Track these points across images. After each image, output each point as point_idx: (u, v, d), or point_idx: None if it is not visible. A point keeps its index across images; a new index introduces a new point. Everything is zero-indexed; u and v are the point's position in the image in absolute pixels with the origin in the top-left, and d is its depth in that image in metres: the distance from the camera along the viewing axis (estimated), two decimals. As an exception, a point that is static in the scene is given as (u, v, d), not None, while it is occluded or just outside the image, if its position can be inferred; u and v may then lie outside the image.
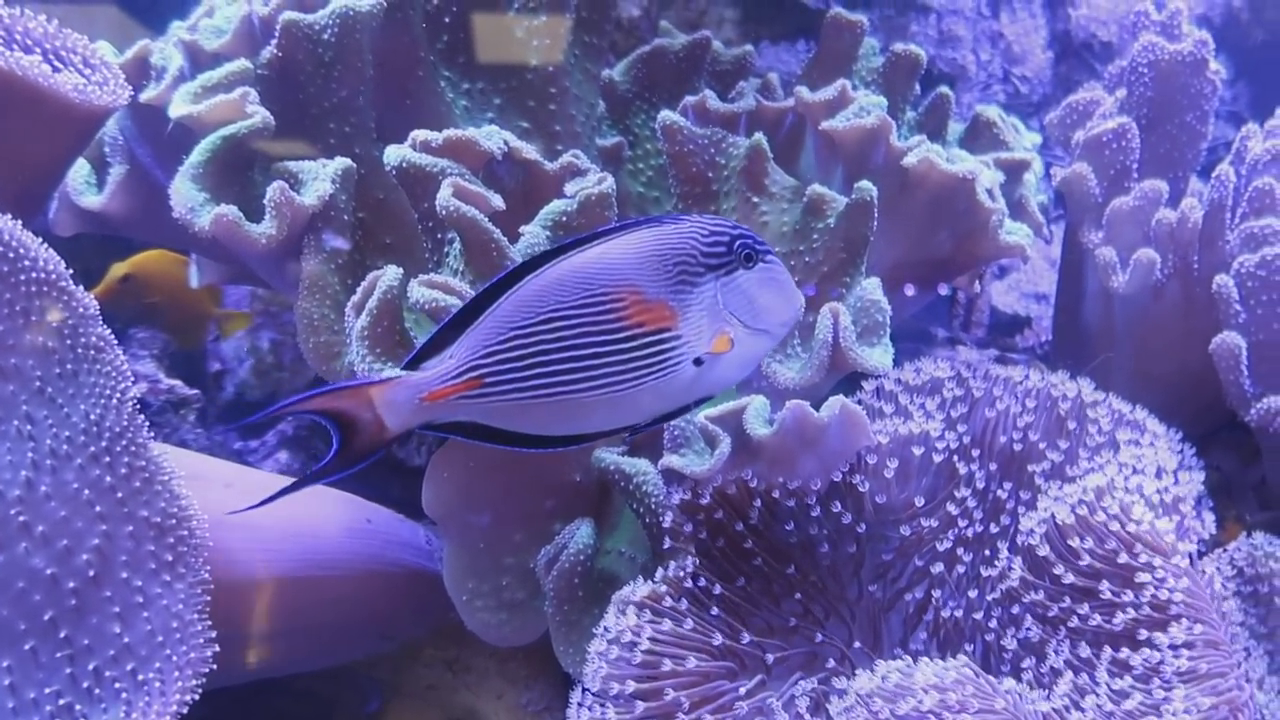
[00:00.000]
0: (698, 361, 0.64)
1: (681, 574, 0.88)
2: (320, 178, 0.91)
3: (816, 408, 0.83)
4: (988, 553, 0.90)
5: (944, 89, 1.28)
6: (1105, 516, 0.81)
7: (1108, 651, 0.78)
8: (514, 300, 0.64)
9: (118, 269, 1.40)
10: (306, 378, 1.66)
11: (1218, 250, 1.01)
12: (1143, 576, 0.78)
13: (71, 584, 0.73)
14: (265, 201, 0.87)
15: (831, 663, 0.87)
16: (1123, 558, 0.79)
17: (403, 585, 1.07)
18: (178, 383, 1.55)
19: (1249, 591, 0.90)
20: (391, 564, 1.06)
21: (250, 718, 1.15)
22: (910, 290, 1.08)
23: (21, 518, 0.73)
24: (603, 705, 0.85)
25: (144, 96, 1.01)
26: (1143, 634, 0.78)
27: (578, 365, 0.63)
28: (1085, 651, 0.80)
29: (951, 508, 0.91)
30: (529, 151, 0.98)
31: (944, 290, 1.13)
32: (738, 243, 0.65)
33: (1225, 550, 0.91)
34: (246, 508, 0.69)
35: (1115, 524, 0.80)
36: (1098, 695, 0.77)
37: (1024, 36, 1.65)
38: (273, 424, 1.61)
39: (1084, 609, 0.80)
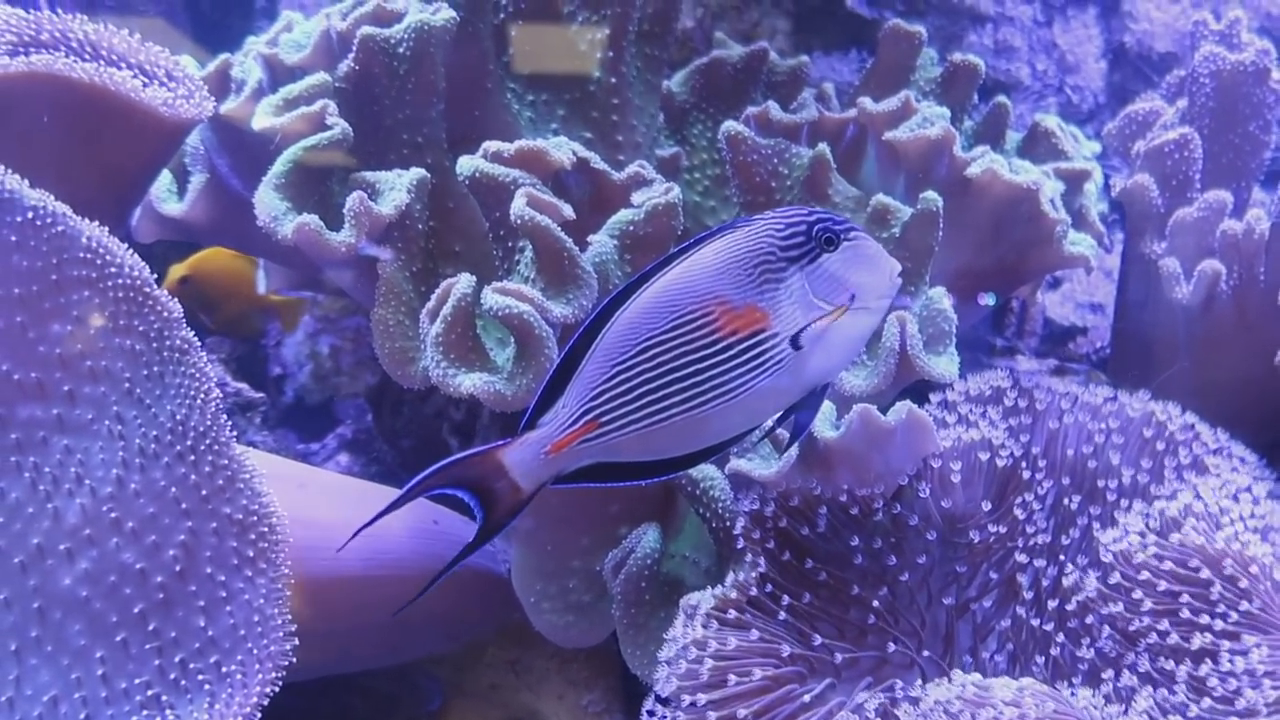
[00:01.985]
0: (796, 346, 0.63)
1: (749, 581, 0.87)
2: (397, 188, 0.91)
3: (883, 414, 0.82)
4: (1059, 564, 0.88)
5: (1002, 99, 1.26)
6: (1189, 533, 0.79)
7: (1186, 669, 0.77)
8: (609, 339, 0.64)
9: (176, 270, 1.42)
10: (363, 382, 1.67)
11: (1283, 261, 0.99)
12: (1224, 590, 0.76)
13: (159, 578, 0.74)
14: (345, 211, 0.87)
15: (901, 670, 0.86)
16: (1205, 574, 0.78)
17: (467, 586, 1.07)
18: (244, 386, 1.57)
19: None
20: (460, 567, 1.06)
21: (315, 714, 1.15)
22: (984, 299, 1.06)
23: (113, 514, 0.74)
24: (674, 713, 0.84)
25: (224, 108, 1.03)
26: (1224, 650, 0.76)
27: (683, 385, 0.62)
28: (1166, 666, 0.78)
29: (1019, 513, 0.89)
30: (597, 162, 0.98)
31: (984, 300, 1.11)
32: (816, 228, 0.64)
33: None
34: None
35: (1201, 539, 0.79)
36: (1181, 715, 0.75)
37: (1077, 46, 1.62)
38: (332, 427, 1.63)
39: (1165, 625, 0.78)
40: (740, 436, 0.68)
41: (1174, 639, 0.76)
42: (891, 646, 0.86)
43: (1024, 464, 0.90)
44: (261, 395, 1.57)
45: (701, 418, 0.63)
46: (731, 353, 0.62)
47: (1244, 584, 0.76)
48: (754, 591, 0.86)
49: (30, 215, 0.73)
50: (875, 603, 0.86)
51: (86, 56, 0.87)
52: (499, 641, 1.13)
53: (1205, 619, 0.76)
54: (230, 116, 1.04)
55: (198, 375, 0.76)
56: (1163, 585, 0.78)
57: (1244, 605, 0.74)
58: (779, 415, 0.69)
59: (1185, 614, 0.77)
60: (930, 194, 0.98)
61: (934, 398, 0.94)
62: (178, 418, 0.76)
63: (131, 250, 0.76)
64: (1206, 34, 1.12)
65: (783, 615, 0.86)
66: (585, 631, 0.95)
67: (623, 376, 0.63)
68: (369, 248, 0.92)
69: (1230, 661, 0.74)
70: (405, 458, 1.39)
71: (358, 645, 1.02)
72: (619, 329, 0.63)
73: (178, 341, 0.76)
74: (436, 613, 1.07)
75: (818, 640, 0.85)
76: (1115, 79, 1.63)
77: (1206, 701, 0.74)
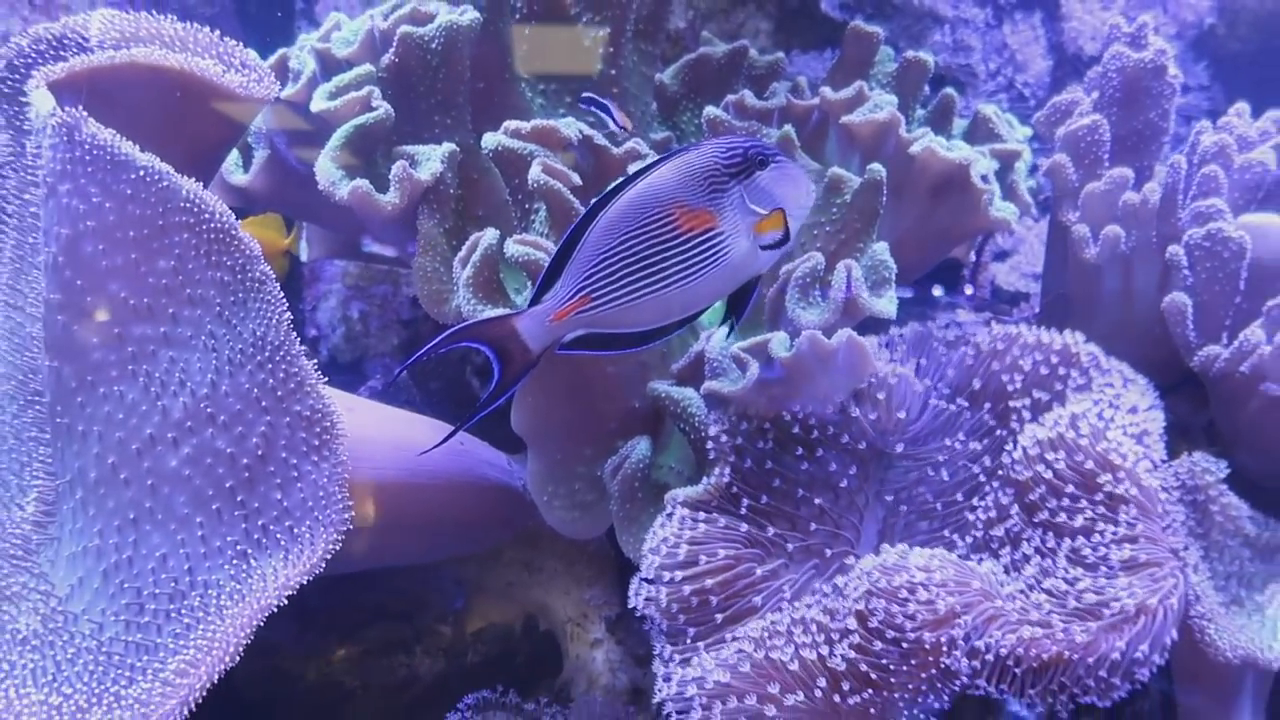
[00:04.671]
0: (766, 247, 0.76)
1: (718, 483, 1.01)
2: (432, 159, 1.05)
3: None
4: (978, 470, 1.03)
5: (949, 90, 1.39)
6: (1076, 435, 0.93)
7: (1068, 543, 0.91)
8: (595, 234, 0.77)
9: None
10: (390, 343, 1.82)
11: (1172, 226, 1.12)
12: (1104, 479, 0.91)
13: (245, 461, 0.89)
14: (390, 177, 1.02)
15: (841, 556, 1.00)
16: (1089, 466, 0.92)
17: (489, 495, 1.22)
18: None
19: (1189, 500, 1.02)
20: (480, 478, 1.21)
21: (357, 608, 1.30)
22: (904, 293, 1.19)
23: (209, 410, 0.89)
24: (654, 586, 0.99)
25: (284, 94, 1.17)
26: (1098, 528, 0.90)
27: (653, 269, 0.76)
28: (1051, 542, 0.92)
29: (945, 435, 1.04)
30: (599, 139, 1.13)
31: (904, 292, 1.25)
32: (749, 151, 0.77)
33: (1171, 466, 1.03)
34: (429, 448, 0.88)
35: (1085, 440, 0.93)
36: (1056, 578, 0.90)
37: (1025, 46, 1.76)
38: (363, 381, 1.77)
39: (1054, 506, 0.92)
40: (696, 315, 0.81)
41: (1061, 518, 0.91)
42: (834, 534, 1.01)
43: (944, 385, 1.05)
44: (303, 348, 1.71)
45: (667, 295, 0.77)
46: (689, 244, 0.76)
47: (1119, 474, 0.90)
48: (722, 491, 1.01)
49: (141, 173, 0.88)
50: (819, 501, 1.01)
51: (177, 49, 1.01)
52: (514, 545, 1.28)
53: (1085, 503, 0.90)
54: (289, 100, 1.18)
55: (273, 301, 0.91)
56: (1056, 476, 0.93)
57: (1115, 490, 0.89)
58: (730, 300, 0.82)
59: (1070, 499, 0.91)
60: (876, 165, 1.12)
61: (873, 338, 1.08)
62: (258, 334, 0.90)
63: (220, 201, 0.91)
64: (1119, 35, 1.26)
65: (744, 511, 1.00)
66: (588, 525, 1.10)
67: (607, 262, 0.76)
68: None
69: (1100, 534, 0.88)
70: (432, 399, 1.54)
71: (399, 543, 1.16)
72: (603, 226, 0.77)
73: (257, 274, 0.91)
74: (463, 519, 1.22)
75: (772, 530, 1.00)
76: (1058, 75, 1.77)
77: (1079, 569, 0.88)
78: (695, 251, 0.76)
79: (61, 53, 1.01)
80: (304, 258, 1.75)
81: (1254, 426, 1.08)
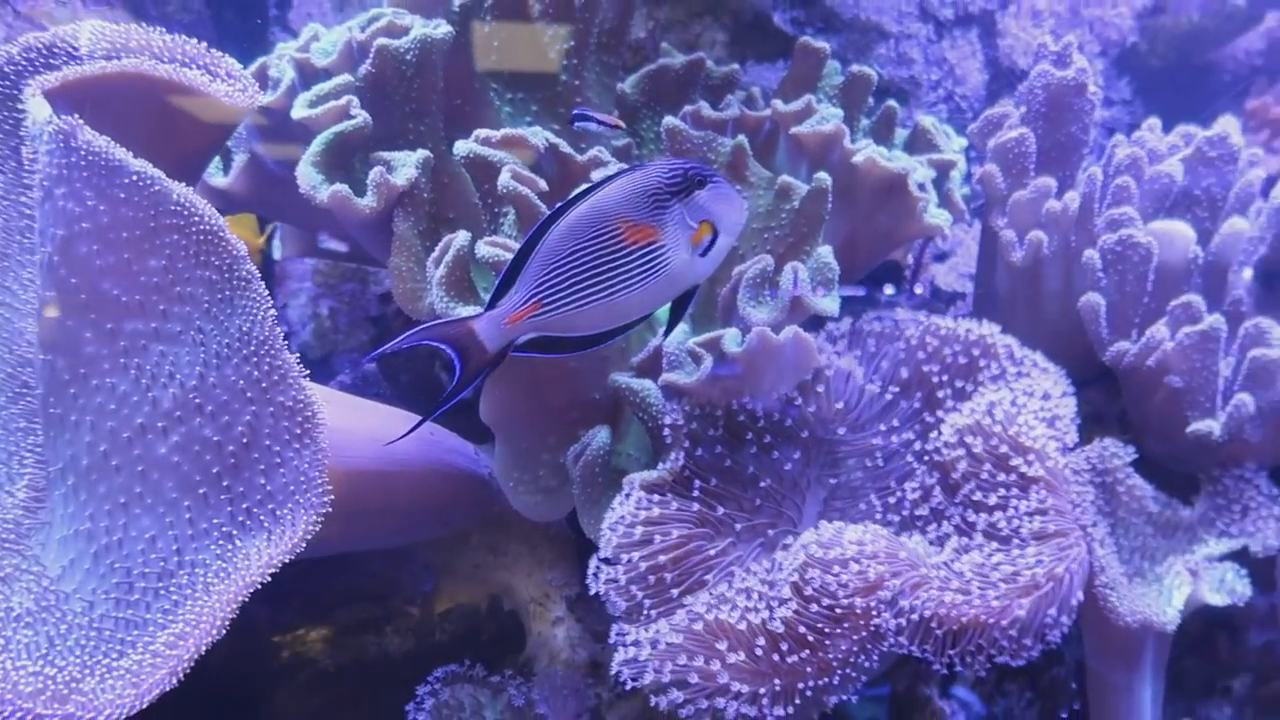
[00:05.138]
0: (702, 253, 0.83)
1: (672, 468, 1.09)
2: (407, 164, 1.12)
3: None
4: (908, 453, 1.12)
5: (891, 102, 1.48)
6: (992, 421, 1.03)
7: (985, 518, 1.00)
8: (548, 245, 0.84)
9: None
10: (358, 339, 1.87)
11: (1089, 231, 1.22)
12: (1016, 461, 1.00)
13: (231, 448, 0.95)
14: (368, 181, 1.08)
15: (785, 535, 1.09)
16: (1003, 449, 1.01)
17: (457, 483, 1.28)
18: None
19: (1099, 481, 1.12)
20: (448, 466, 1.27)
21: (331, 590, 1.36)
22: (849, 291, 1.27)
23: (197, 400, 0.95)
24: (613, 566, 1.06)
25: (263, 100, 1.22)
26: (1012, 505, 0.99)
27: (599, 278, 0.83)
28: (971, 518, 1.01)
29: (880, 421, 1.13)
30: (564, 147, 1.19)
31: (849, 291, 1.34)
32: (690, 172, 0.83)
33: (1083, 450, 1.12)
34: (399, 437, 0.94)
35: (999, 427, 1.02)
36: (975, 550, 0.99)
37: (963, 61, 1.86)
38: (333, 376, 1.83)
39: (972, 486, 1.01)
40: (639, 321, 0.88)
41: (979, 496, 1.00)
42: (778, 513, 1.09)
43: (882, 379, 1.13)
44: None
45: (612, 303, 0.83)
46: (632, 256, 0.83)
47: (1030, 456, 0.99)
48: (676, 475, 1.09)
49: (134, 178, 0.93)
50: (765, 484, 1.09)
51: (165, 59, 1.06)
52: (481, 530, 1.34)
53: (1000, 482, 0.99)
54: (268, 107, 1.24)
55: (259, 298, 0.96)
56: (974, 459, 1.02)
57: (1027, 470, 0.98)
58: (671, 306, 0.89)
59: (988, 478, 1.00)
60: (822, 174, 1.20)
61: (820, 332, 1.16)
62: (244, 329, 0.96)
63: (209, 204, 0.96)
64: (1046, 54, 1.36)
65: (696, 493, 1.08)
66: (552, 509, 1.17)
67: (557, 271, 0.83)
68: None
69: (1014, 510, 0.97)
70: (403, 392, 1.60)
71: (372, 527, 1.22)
72: (555, 238, 0.83)
73: (244, 273, 0.96)
74: (432, 504, 1.28)
75: (721, 511, 1.08)
76: (993, 88, 1.87)
77: (995, 542, 0.97)
78: (638, 262, 0.83)
79: (52, 61, 1.06)
80: (276, 255, 1.80)
81: (1159, 415, 1.18)
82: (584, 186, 0.86)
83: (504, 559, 1.34)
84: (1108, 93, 1.93)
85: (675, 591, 1.04)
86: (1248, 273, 1.30)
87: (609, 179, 0.85)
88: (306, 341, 1.88)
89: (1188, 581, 1.04)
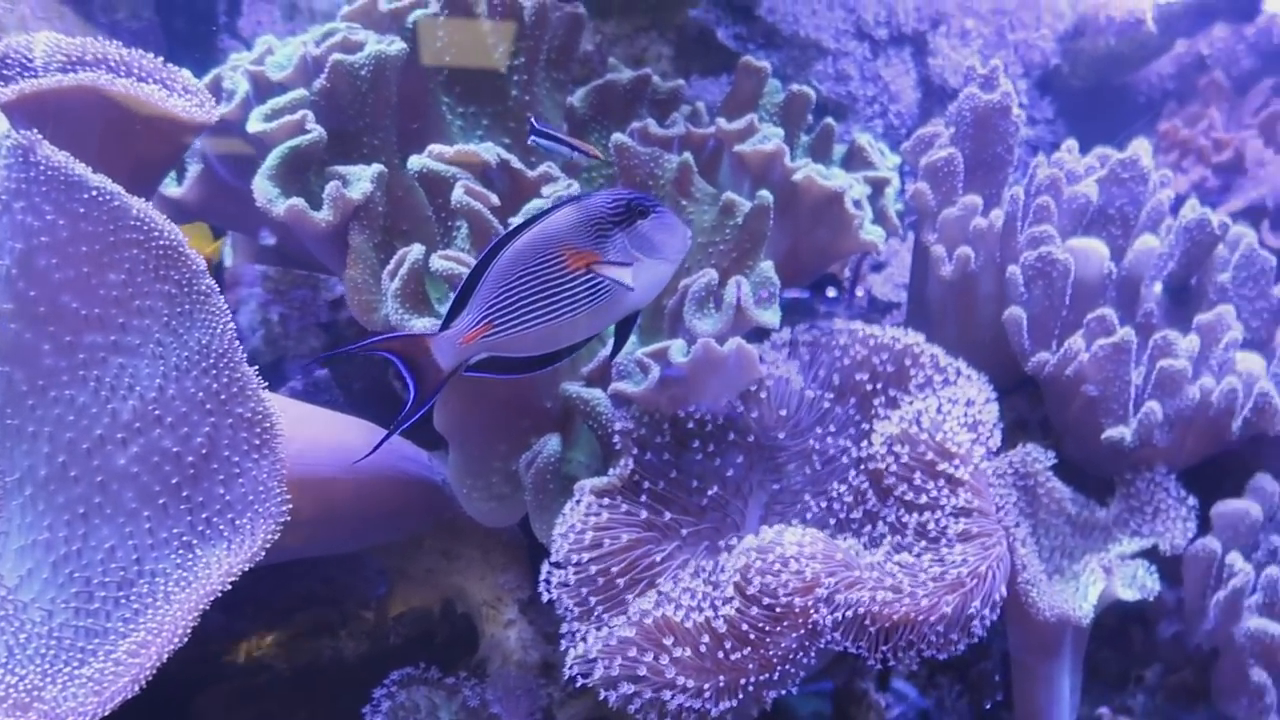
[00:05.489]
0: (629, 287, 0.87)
1: (621, 473, 1.13)
2: (363, 179, 1.14)
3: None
4: (844, 458, 1.17)
5: (829, 120, 1.54)
6: (919, 429, 1.09)
7: (915, 519, 1.06)
8: (497, 269, 0.87)
9: None
10: (308, 345, 1.87)
11: (1012, 248, 1.29)
12: (943, 466, 1.06)
13: (190, 459, 0.96)
14: (324, 195, 1.10)
15: (730, 538, 1.14)
16: (930, 456, 1.07)
17: (411, 489, 1.31)
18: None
19: (1021, 485, 1.19)
20: (403, 473, 1.30)
21: (286, 595, 1.37)
22: (794, 293, 1.33)
23: (156, 412, 0.96)
24: (564, 569, 1.10)
25: (218, 113, 1.23)
26: (940, 507, 1.05)
27: (545, 302, 0.86)
28: (902, 520, 1.07)
29: (818, 427, 1.18)
30: (516, 163, 1.23)
31: (794, 293, 1.40)
32: (632, 203, 0.87)
33: (1006, 455, 1.20)
34: (366, 454, 0.98)
35: (926, 434, 1.08)
36: (906, 550, 1.05)
37: (897, 78, 1.93)
38: (284, 382, 1.83)
39: (902, 489, 1.07)
40: (583, 343, 0.92)
41: (909, 498, 1.06)
42: (723, 517, 1.14)
43: (818, 387, 1.19)
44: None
45: (556, 325, 0.87)
46: (575, 283, 0.86)
47: (955, 461, 1.05)
48: (625, 481, 1.13)
49: (94, 193, 0.94)
50: (710, 489, 1.14)
51: (122, 73, 1.07)
52: (434, 535, 1.37)
53: (929, 486, 1.05)
54: (222, 118, 1.25)
55: (218, 312, 0.98)
56: (903, 465, 1.08)
57: (953, 474, 1.04)
58: (616, 329, 0.93)
59: (918, 482, 1.06)
60: (764, 192, 1.25)
61: (761, 343, 1.22)
62: (203, 342, 0.98)
63: (168, 219, 0.98)
64: (974, 77, 1.43)
65: (644, 498, 1.13)
66: (504, 515, 1.20)
67: (506, 295, 0.86)
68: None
69: (941, 512, 1.03)
70: (356, 399, 1.61)
71: (327, 533, 1.24)
72: (504, 263, 0.86)
73: (203, 287, 0.98)
74: (386, 511, 1.30)
75: (668, 515, 1.13)
76: (925, 105, 1.95)
77: (924, 542, 1.03)
78: (581, 288, 0.86)
79: (4, 73, 1.06)
80: (227, 262, 1.80)
81: (1077, 422, 1.26)
82: (535, 211, 0.88)
83: (457, 563, 1.37)
84: (1032, 112, 2.02)
85: (624, 593, 1.08)
86: (1158, 286, 1.39)
87: (557, 205, 0.88)
88: (256, 347, 1.88)
89: (1102, 578, 1.12)
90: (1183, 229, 1.37)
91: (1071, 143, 1.42)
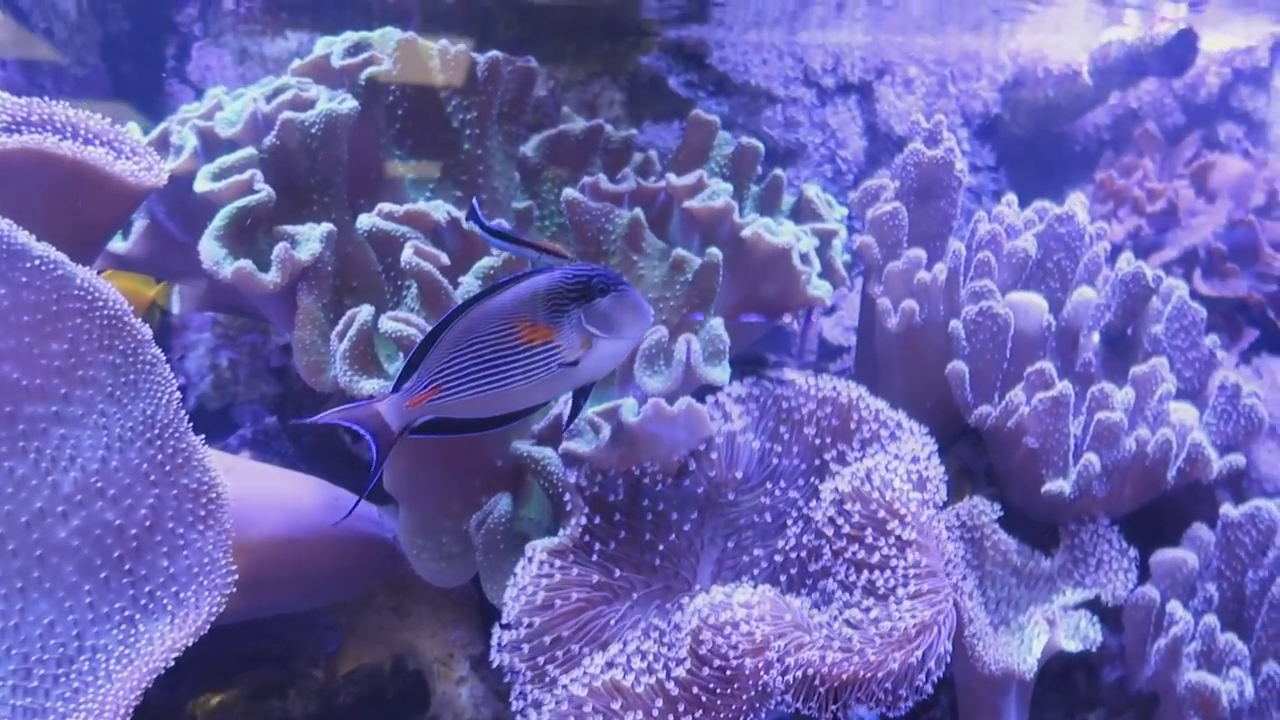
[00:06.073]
0: (574, 363, 0.88)
1: (573, 533, 1.14)
2: (311, 239, 1.14)
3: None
4: (794, 512, 1.19)
5: (778, 172, 1.56)
6: (870, 486, 1.10)
7: (865, 577, 1.07)
8: (450, 336, 0.88)
9: None
10: (258, 391, 1.85)
11: (955, 301, 1.33)
12: (892, 525, 1.08)
13: (134, 531, 0.95)
14: (272, 257, 1.10)
15: (682, 596, 1.14)
16: (880, 514, 1.09)
17: (360, 547, 1.30)
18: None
19: (968, 537, 1.21)
20: (353, 531, 1.29)
21: (233, 656, 1.35)
22: (752, 318, 1.34)
23: (98, 484, 0.94)
24: (515, 630, 1.10)
25: (165, 166, 1.22)
26: (889, 565, 1.07)
27: (495, 370, 0.87)
28: (852, 577, 1.09)
29: (768, 482, 1.20)
30: (465, 221, 1.24)
31: (749, 318, 1.41)
32: (593, 280, 0.88)
33: (954, 508, 1.22)
34: (341, 519, 1.03)
35: (876, 493, 1.10)
36: (855, 608, 1.06)
37: (844, 126, 1.97)
38: (233, 430, 1.81)
39: (853, 548, 1.09)
40: (533, 409, 0.92)
41: (859, 556, 1.07)
42: (675, 576, 1.15)
43: (769, 442, 1.20)
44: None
45: (506, 393, 0.88)
46: (528, 353, 0.87)
47: (905, 519, 1.07)
48: (576, 541, 1.13)
49: (37, 262, 0.93)
50: (661, 547, 1.15)
51: (68, 135, 1.06)
52: (385, 591, 1.36)
53: (878, 544, 1.07)
54: (171, 173, 1.24)
55: (163, 382, 0.97)
56: (853, 524, 1.09)
57: (901, 533, 1.06)
58: (570, 396, 0.94)
59: (868, 539, 1.08)
60: (713, 250, 1.27)
61: (710, 398, 1.23)
62: (148, 413, 0.97)
63: (113, 288, 0.97)
64: (919, 132, 1.47)
65: (596, 557, 1.13)
66: (454, 575, 1.20)
67: (456, 361, 0.87)
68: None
69: (890, 569, 1.05)
70: (305, 451, 1.60)
71: (276, 595, 1.23)
72: (457, 330, 0.87)
73: (148, 356, 0.97)
74: (336, 569, 1.29)
75: (620, 574, 1.13)
76: (873, 151, 1.99)
77: (872, 599, 1.05)
78: (533, 360, 0.87)
79: (-56, 134, 1.04)
80: (175, 311, 1.78)
81: (1020, 472, 1.29)
82: (485, 270, 0.89)
83: (408, 620, 1.36)
84: (974, 159, 2.07)
85: (577, 655, 1.08)
86: (1096, 336, 1.44)
87: (520, 276, 0.89)
88: (205, 393, 1.85)
89: (1046, 630, 1.14)
90: (1119, 281, 1.42)
91: (1011, 197, 1.46)
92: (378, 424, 0.91)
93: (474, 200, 0.84)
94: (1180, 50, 1.93)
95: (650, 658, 1.03)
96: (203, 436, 0.99)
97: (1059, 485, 1.22)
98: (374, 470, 0.92)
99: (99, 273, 1.31)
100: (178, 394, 0.98)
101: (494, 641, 1.08)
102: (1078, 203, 1.42)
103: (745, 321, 1.38)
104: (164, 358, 0.98)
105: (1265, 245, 1.78)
